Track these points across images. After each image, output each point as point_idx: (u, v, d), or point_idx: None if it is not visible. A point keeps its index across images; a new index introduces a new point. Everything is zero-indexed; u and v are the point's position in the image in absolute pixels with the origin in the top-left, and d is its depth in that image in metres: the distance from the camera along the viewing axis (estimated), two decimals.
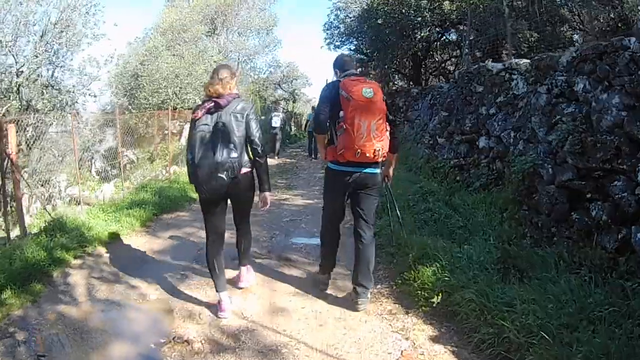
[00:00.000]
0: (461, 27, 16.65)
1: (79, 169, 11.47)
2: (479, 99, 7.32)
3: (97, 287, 4.12)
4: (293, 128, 31.63)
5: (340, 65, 3.53)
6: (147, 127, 12.88)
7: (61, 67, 12.40)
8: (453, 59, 19.85)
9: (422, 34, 14.43)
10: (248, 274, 4.04)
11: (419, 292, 3.62)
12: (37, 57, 11.17)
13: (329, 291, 3.89)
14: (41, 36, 11.27)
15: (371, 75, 22.75)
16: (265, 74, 21.96)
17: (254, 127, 3.34)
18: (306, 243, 5.37)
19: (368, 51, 20.28)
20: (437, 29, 15.68)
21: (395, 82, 21.38)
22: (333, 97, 3.25)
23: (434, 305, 3.41)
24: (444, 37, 18.44)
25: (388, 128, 3.28)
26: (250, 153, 3.42)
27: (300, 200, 8.04)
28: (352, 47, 21.08)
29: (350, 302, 3.54)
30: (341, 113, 3.19)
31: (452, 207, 5.60)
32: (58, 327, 3.35)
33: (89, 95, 12.99)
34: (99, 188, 12.07)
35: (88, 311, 3.64)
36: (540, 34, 12.01)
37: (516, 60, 7.01)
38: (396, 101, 15.43)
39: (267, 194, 3.56)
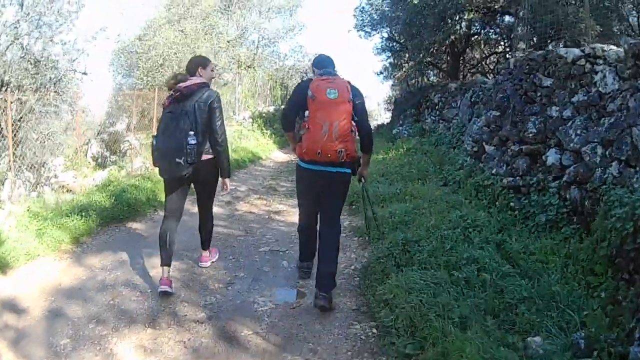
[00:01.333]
0: (507, 19, 14.54)
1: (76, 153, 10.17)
2: (547, 96, 5.32)
3: None
4: None
5: (317, 63, 3.51)
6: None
7: (50, 40, 10.91)
8: (493, 57, 17.66)
9: (464, 18, 12.28)
10: (210, 254, 4.20)
11: None
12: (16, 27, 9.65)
13: None
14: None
15: (404, 68, 20.73)
16: (289, 60, 20.09)
17: (217, 116, 3.45)
18: (277, 303, 3.49)
19: (401, 40, 18.26)
20: (479, 15, 13.53)
21: (430, 78, 19.21)
22: (301, 96, 3.27)
23: None
24: (487, 30, 16.27)
25: (354, 129, 3.26)
26: (210, 141, 3.49)
27: (296, 215, 6.23)
28: (385, 35, 19.11)
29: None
30: (307, 112, 3.23)
31: (507, 255, 3.68)
32: None
33: (79, 72, 11.44)
34: (92, 175, 10.71)
35: None
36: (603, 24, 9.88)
37: (601, 45, 4.99)
38: (430, 97, 13.38)
39: (226, 180, 3.74)
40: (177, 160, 3.25)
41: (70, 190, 8.25)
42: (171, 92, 3.46)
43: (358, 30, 18.48)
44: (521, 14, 9.28)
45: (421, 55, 13.55)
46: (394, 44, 18.65)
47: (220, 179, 3.72)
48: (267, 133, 14.10)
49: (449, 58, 18.87)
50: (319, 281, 3.26)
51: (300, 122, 3.37)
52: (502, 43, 18.67)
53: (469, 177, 6.10)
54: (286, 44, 22.62)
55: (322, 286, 3.23)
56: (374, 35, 18.82)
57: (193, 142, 3.27)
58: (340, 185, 3.39)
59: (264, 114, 14.73)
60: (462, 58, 18.10)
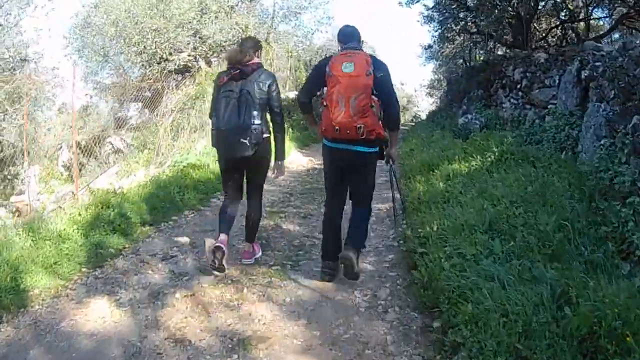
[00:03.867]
0: None
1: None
2: None
3: None
4: None
5: (341, 36, 3.31)
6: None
7: None
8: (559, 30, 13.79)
9: None
10: (254, 250, 3.81)
11: None
12: None
13: None
14: None
15: (455, 42, 16.95)
16: (316, 37, 16.55)
17: (277, 100, 3.46)
18: None
19: (453, 5, 14.52)
20: None
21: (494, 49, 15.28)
22: (318, 73, 3.20)
23: None
24: None
25: (375, 104, 3.08)
26: (271, 122, 3.51)
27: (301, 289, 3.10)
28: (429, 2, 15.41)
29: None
30: (325, 89, 3.14)
31: None
32: None
33: (22, 59, 8.43)
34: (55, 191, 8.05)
35: None
36: None
37: None
38: (506, 72, 9.68)
39: (281, 162, 3.70)
40: (242, 140, 3.23)
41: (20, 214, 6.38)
42: (228, 69, 3.45)
43: None
44: None
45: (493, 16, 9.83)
46: (444, 11, 14.84)
47: (273, 162, 3.68)
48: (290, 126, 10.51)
49: (511, 27, 15.01)
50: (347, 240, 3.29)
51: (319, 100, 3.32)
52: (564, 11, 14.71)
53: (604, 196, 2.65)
54: (312, 15, 18.55)
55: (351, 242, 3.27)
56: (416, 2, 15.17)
57: (258, 122, 3.28)
58: (365, 166, 3.28)
59: (285, 102, 11.22)
60: (528, 28, 14.20)
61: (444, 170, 5.72)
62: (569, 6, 14.43)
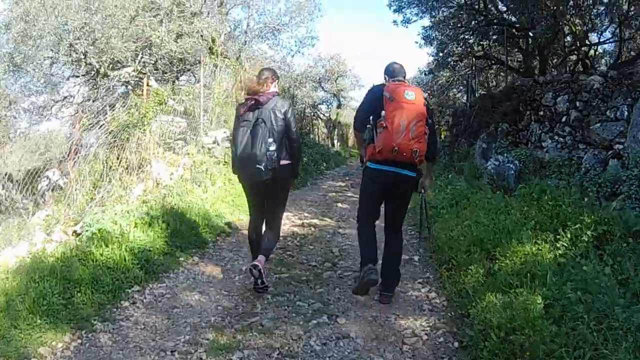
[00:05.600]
0: None
1: None
2: None
3: None
4: (336, 144, 24.01)
5: (390, 72, 3.54)
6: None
7: None
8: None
9: None
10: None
11: None
12: None
13: None
14: None
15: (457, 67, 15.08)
16: (295, 55, 14.41)
17: (293, 126, 3.60)
18: None
19: (459, 25, 12.62)
20: None
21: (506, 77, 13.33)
22: (376, 98, 3.34)
23: None
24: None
25: (427, 132, 3.28)
26: (289, 149, 3.61)
27: None
28: (427, 22, 13.52)
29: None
30: (383, 113, 3.24)
31: None
32: None
33: None
34: None
35: None
36: None
37: None
38: (540, 100, 7.64)
39: (291, 180, 3.83)
40: (258, 166, 3.37)
41: None
42: (246, 99, 3.59)
43: (394, 11, 12.84)
44: None
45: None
46: (448, 31, 12.89)
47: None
48: None
49: (525, 45, 13.17)
50: (384, 281, 3.43)
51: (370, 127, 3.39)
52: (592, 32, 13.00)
53: None
54: (292, 34, 14.74)
55: (387, 285, 3.43)
56: (413, 23, 13.27)
57: (273, 148, 3.41)
58: (408, 190, 3.42)
59: None
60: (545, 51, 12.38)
61: (516, 256, 3.46)
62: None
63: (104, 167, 5.78)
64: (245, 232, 4.74)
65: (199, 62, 8.62)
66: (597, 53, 13.60)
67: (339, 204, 7.27)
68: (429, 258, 4.44)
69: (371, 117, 3.35)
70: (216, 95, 7.97)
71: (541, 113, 7.56)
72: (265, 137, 3.40)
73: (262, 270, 3.42)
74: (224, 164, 7.28)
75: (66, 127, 8.31)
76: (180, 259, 4.10)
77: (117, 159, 5.86)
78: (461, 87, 19.51)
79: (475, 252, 3.76)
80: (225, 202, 6.06)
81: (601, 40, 13.41)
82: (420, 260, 4.39)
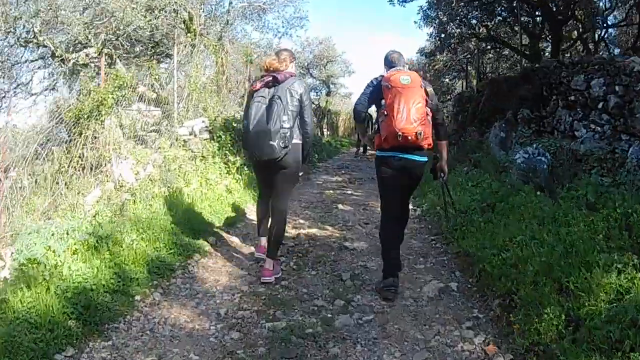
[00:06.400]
0: None
1: None
2: None
3: None
4: (326, 133, 22.81)
5: (388, 62, 3.50)
6: None
7: None
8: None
9: None
10: (274, 268, 3.59)
11: None
12: None
13: None
14: None
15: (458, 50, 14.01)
16: (282, 37, 13.15)
17: (307, 111, 3.56)
18: None
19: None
20: None
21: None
22: (375, 88, 3.34)
23: None
24: None
25: (429, 113, 3.25)
26: (300, 133, 3.57)
27: None
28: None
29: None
30: (383, 102, 3.27)
31: None
32: None
33: None
34: None
35: None
36: None
37: None
38: (569, 83, 6.63)
39: (305, 166, 3.84)
40: (271, 142, 3.32)
41: None
42: (262, 76, 3.58)
43: None
44: None
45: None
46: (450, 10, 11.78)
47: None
48: (239, 165, 6.51)
49: (528, 34, 12.15)
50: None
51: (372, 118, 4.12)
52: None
53: None
54: (279, 14, 12.88)
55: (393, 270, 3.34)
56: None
57: (287, 126, 3.37)
58: (420, 175, 3.39)
59: (236, 123, 7.00)
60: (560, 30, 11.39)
61: (601, 290, 2.46)
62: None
63: (59, 167, 4.63)
64: (228, 247, 4.33)
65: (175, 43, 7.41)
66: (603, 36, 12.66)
67: (340, 206, 6.17)
68: (469, 286, 3.39)
69: (375, 109, 3.39)
70: (193, 79, 6.79)
71: (572, 98, 6.53)
72: (280, 114, 3.36)
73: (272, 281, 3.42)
74: (201, 159, 6.14)
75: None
76: (136, 297, 2.97)
77: (67, 157, 4.70)
78: (455, 74, 18.48)
79: (545, 283, 2.72)
80: (201, 208, 4.94)
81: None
82: (460, 288, 3.34)
